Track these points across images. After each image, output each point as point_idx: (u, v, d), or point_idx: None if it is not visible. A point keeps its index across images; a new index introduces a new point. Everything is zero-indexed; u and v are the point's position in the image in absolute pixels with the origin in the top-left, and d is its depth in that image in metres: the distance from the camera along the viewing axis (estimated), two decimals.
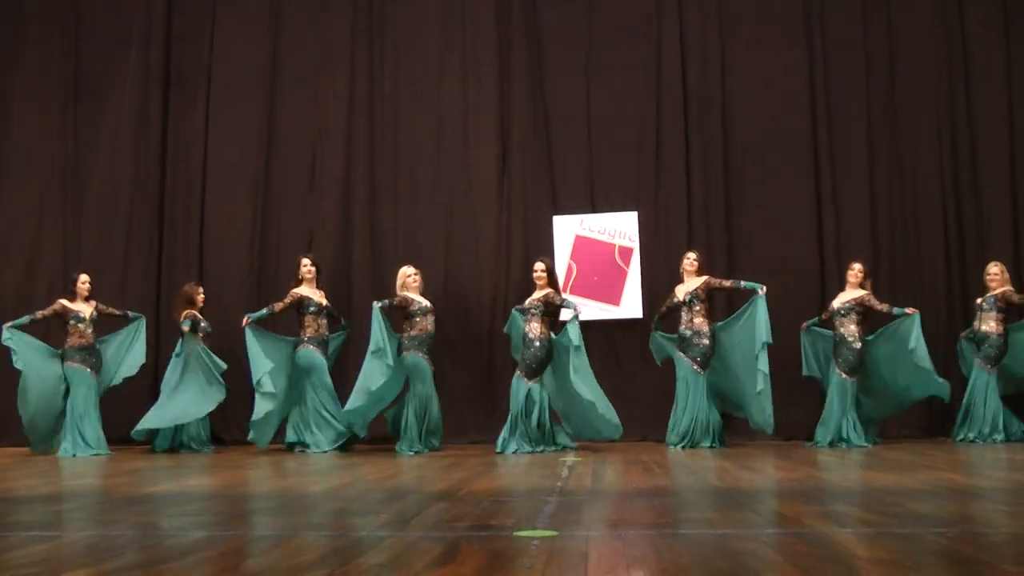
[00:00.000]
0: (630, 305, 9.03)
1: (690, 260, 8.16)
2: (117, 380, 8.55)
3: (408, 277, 8.23)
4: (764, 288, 7.76)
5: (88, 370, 8.31)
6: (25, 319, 8.35)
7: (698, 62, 9.29)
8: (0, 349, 8.32)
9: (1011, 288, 8.18)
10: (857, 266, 8.13)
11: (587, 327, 7.97)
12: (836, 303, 8.09)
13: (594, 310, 8.93)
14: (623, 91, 9.31)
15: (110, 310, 8.58)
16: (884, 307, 7.96)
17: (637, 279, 9.05)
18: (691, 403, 7.86)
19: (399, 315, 8.12)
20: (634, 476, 5.50)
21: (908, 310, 7.84)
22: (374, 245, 9.36)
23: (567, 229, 9.19)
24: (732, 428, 8.27)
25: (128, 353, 8.58)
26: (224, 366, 8.36)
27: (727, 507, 4.12)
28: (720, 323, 8.04)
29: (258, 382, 7.99)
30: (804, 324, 8.26)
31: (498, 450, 7.62)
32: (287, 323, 8.53)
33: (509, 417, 7.78)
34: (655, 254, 9.01)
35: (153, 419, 8.30)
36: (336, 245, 9.35)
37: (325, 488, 5.19)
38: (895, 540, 3.12)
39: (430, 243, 9.25)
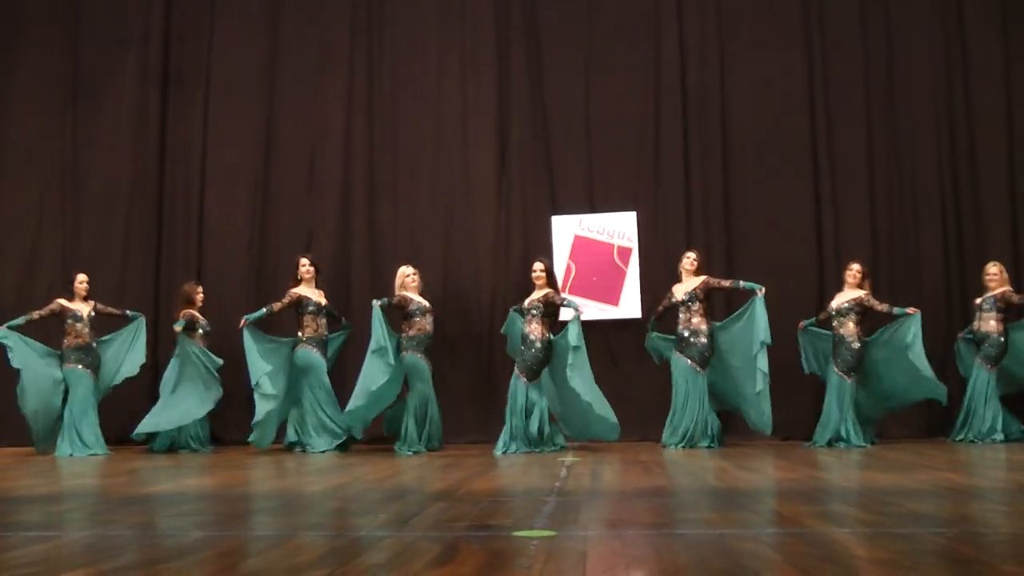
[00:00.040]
0: (629, 305, 9.03)
1: (690, 259, 8.16)
2: (118, 380, 8.55)
3: (407, 277, 8.23)
4: (763, 288, 7.76)
5: (86, 371, 8.31)
6: (21, 319, 8.34)
7: (697, 62, 9.30)
8: None
9: (1010, 288, 8.18)
10: (855, 266, 8.13)
11: (586, 327, 7.95)
12: (835, 303, 8.09)
13: (593, 310, 8.92)
14: (622, 91, 9.31)
15: (109, 309, 8.58)
16: (884, 307, 7.96)
17: (636, 279, 9.05)
18: (691, 403, 7.86)
19: (398, 315, 8.12)
20: (633, 476, 5.50)
21: (909, 310, 7.83)
22: (373, 245, 9.36)
23: (566, 229, 9.19)
24: (730, 428, 8.28)
25: (129, 353, 8.58)
26: (220, 362, 8.37)
27: (726, 507, 4.12)
28: (719, 323, 8.04)
29: (256, 384, 7.99)
30: (801, 324, 8.26)
31: (498, 453, 7.53)
32: (287, 323, 8.53)
33: (507, 420, 7.68)
34: (654, 254, 9.00)
35: (153, 422, 8.31)
36: (335, 245, 9.36)
37: (324, 488, 5.19)
38: (894, 540, 3.12)
39: (429, 243, 9.26)
